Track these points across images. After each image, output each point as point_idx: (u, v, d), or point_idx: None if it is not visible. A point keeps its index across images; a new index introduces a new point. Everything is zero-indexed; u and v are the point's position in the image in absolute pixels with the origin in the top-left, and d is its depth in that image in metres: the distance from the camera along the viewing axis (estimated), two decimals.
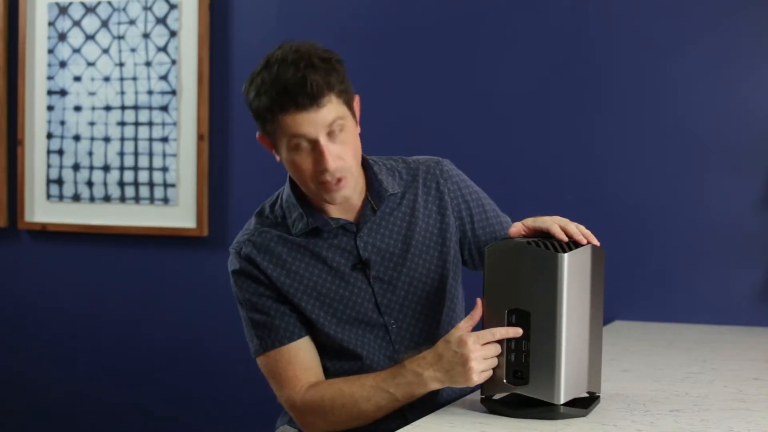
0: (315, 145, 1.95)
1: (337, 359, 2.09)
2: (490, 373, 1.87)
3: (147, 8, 3.58)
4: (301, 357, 2.06)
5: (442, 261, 2.12)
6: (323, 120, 1.94)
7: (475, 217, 2.17)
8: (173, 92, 3.55)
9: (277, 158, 2.04)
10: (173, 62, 3.55)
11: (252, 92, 1.98)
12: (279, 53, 1.96)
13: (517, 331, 1.85)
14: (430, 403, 2.04)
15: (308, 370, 2.06)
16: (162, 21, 3.56)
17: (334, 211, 2.07)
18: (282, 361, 2.05)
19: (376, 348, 2.09)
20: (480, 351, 1.85)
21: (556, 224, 1.90)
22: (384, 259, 2.08)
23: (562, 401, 1.83)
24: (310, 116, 1.93)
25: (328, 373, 2.10)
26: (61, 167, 3.70)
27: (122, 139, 3.63)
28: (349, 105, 2.00)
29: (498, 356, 1.86)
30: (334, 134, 1.96)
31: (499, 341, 1.86)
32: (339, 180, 1.97)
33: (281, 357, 2.05)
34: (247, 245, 2.08)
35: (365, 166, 2.10)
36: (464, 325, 1.89)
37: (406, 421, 2.00)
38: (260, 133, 2.04)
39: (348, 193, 2.01)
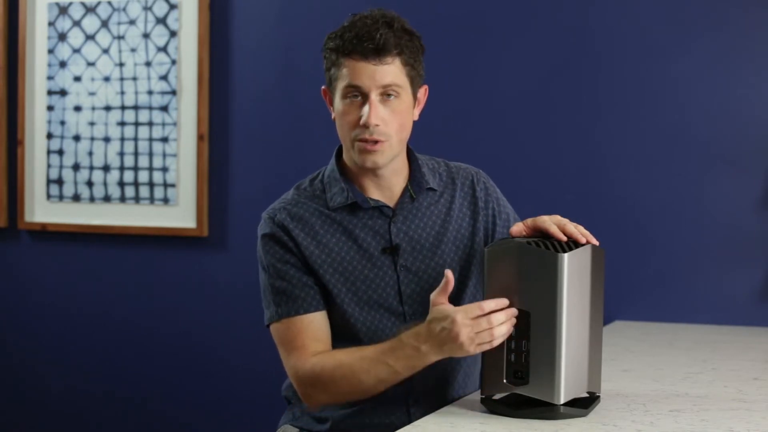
0: (366, 99, 1.99)
1: (348, 343, 2.08)
2: (490, 344, 1.84)
3: (147, 8, 3.58)
4: (313, 328, 2.06)
5: (468, 264, 2.14)
6: (381, 78, 1.98)
7: (498, 232, 2.17)
8: (173, 92, 3.55)
9: (332, 115, 2.07)
10: (173, 62, 3.55)
11: (329, 37, 2.03)
12: (368, 11, 2.03)
13: (504, 302, 1.84)
14: (436, 402, 2.04)
15: (318, 341, 2.06)
16: (162, 21, 3.56)
17: (374, 193, 2.10)
18: (293, 329, 2.06)
19: (389, 335, 2.08)
20: (468, 327, 1.82)
21: (554, 224, 1.90)
22: (414, 249, 2.10)
23: (562, 401, 1.83)
24: (369, 68, 1.98)
25: None
26: (61, 167, 3.70)
27: (122, 139, 3.63)
28: (413, 82, 2.04)
29: (497, 351, 1.85)
30: (388, 99, 2.00)
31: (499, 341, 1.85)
32: (376, 142, 2.00)
33: (293, 325, 2.06)
34: (282, 212, 2.10)
35: (411, 157, 2.14)
36: (440, 299, 1.88)
37: (410, 418, 2.03)
38: (325, 85, 2.08)
39: (380, 160, 2.03)
